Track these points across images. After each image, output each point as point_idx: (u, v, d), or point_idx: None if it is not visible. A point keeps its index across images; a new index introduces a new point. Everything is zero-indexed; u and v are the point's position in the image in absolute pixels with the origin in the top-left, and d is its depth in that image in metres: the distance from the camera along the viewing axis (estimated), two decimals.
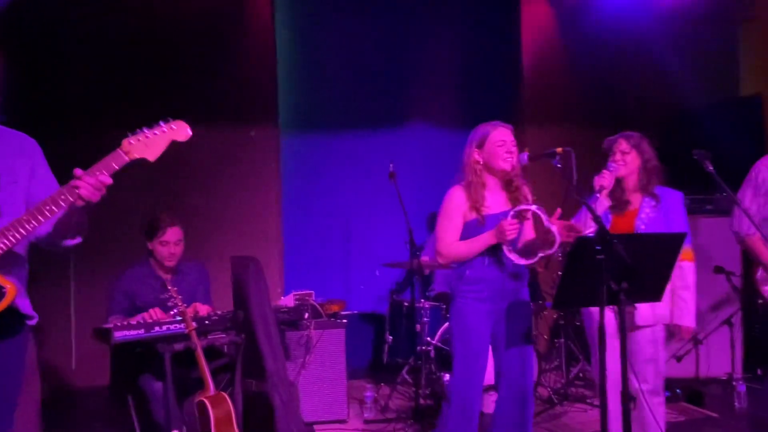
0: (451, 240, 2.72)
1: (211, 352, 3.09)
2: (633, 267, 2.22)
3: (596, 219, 2.37)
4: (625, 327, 2.32)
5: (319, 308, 3.82)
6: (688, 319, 2.83)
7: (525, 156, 2.72)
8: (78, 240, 2.08)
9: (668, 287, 2.72)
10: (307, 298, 3.74)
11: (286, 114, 5.30)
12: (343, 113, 5.50)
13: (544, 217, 2.55)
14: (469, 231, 2.71)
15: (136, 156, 1.90)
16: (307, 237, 5.43)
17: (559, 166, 2.60)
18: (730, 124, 4.13)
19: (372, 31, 5.52)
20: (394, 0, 5.57)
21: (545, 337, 5.21)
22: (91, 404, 4.26)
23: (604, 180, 2.75)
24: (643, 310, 2.79)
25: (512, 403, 2.78)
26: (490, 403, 3.94)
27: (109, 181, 1.86)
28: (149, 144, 1.92)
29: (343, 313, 4.17)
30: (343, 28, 5.48)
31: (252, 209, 5.09)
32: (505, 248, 2.62)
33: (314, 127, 5.50)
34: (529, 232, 2.75)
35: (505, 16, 5.77)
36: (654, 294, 2.51)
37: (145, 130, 1.92)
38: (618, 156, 2.84)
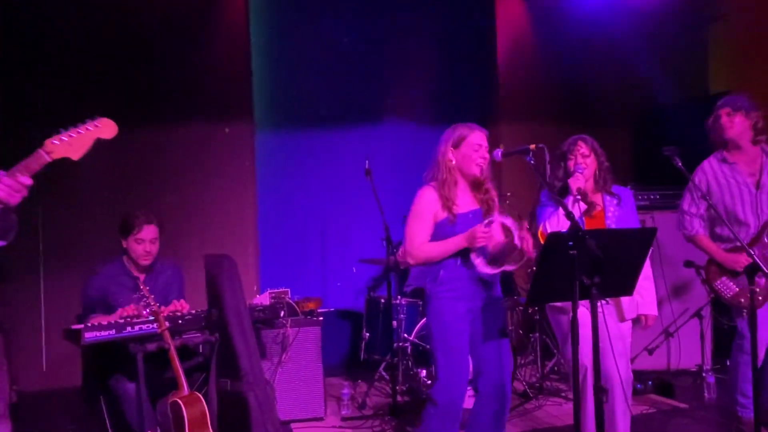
0: (421, 241, 2.72)
1: (185, 352, 3.06)
2: (605, 262, 2.26)
3: (569, 215, 2.39)
4: (597, 320, 2.36)
5: (295, 306, 3.80)
6: (651, 308, 2.94)
7: (499, 152, 2.74)
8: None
9: None
10: (282, 296, 3.72)
11: (261, 110, 5.26)
12: (319, 110, 5.49)
13: (516, 234, 2.60)
14: (440, 230, 2.73)
15: (59, 155, 1.93)
16: (283, 234, 5.41)
17: (532, 162, 2.62)
18: (699, 121, 4.21)
19: (349, 27, 5.51)
20: None
21: (520, 331, 5.26)
22: (62, 406, 4.18)
23: (580, 182, 2.84)
24: (628, 303, 2.87)
25: (491, 400, 2.81)
26: (467, 398, 3.97)
27: (29, 182, 1.87)
28: (73, 143, 1.95)
29: (319, 310, 4.16)
30: (319, 24, 5.46)
31: (227, 207, 5.04)
32: (472, 254, 2.66)
33: (290, 124, 5.47)
34: (498, 235, 2.76)
35: (480, 15, 5.81)
36: (626, 288, 2.56)
37: (70, 129, 1.95)
38: (580, 159, 2.93)
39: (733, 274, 3.26)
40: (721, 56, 5.88)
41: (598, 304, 2.77)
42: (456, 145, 2.75)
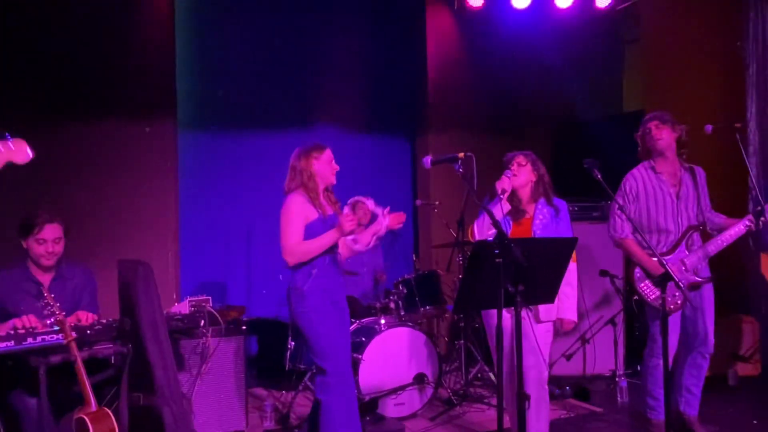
0: (296, 241, 2.98)
1: (95, 364, 2.85)
2: (529, 270, 2.30)
3: (495, 224, 2.43)
4: (521, 328, 2.40)
5: (217, 315, 3.65)
6: (570, 313, 3.10)
7: (428, 160, 2.77)
8: None
9: None
10: (203, 304, 3.56)
11: (185, 110, 5.06)
12: (246, 112, 5.36)
13: (368, 201, 3.08)
14: (312, 229, 3.01)
15: None
16: (206, 240, 5.22)
17: (460, 170, 2.65)
18: (615, 136, 4.45)
19: (279, 30, 5.43)
20: (301, 1, 5.51)
21: (446, 339, 5.32)
22: None
23: (504, 183, 3.00)
24: (544, 306, 2.99)
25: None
26: (392, 406, 3.96)
27: None
28: None
29: (243, 319, 4.03)
30: (249, 24, 5.35)
31: (146, 210, 4.80)
32: (349, 239, 3.06)
33: (216, 125, 5.31)
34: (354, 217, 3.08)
35: (411, 25, 5.89)
36: (548, 296, 2.63)
37: None
38: (515, 166, 3.10)
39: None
40: (635, 76, 6.26)
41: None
42: (318, 157, 3.08)
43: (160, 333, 2.85)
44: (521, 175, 3.09)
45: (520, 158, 3.12)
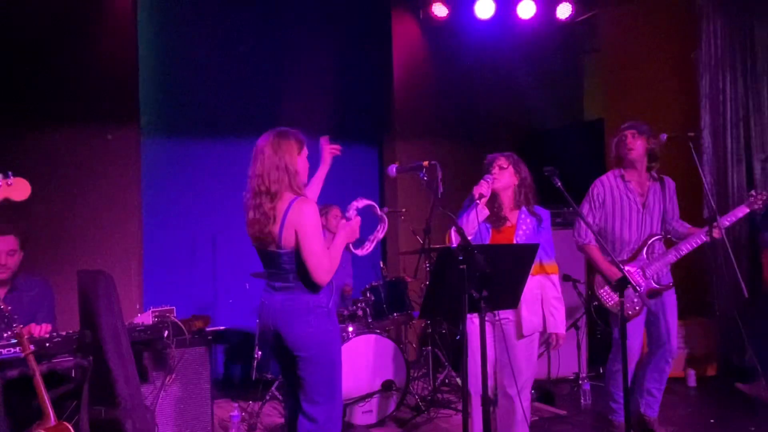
0: (330, 255, 2.56)
1: (55, 378, 2.78)
2: (493, 275, 2.34)
3: (459, 230, 2.46)
4: (485, 332, 2.43)
5: (181, 325, 3.58)
6: (561, 327, 3.01)
7: (393, 168, 2.79)
8: None
9: (540, 298, 2.97)
10: (167, 314, 3.49)
11: (148, 116, 4.98)
12: (210, 119, 5.30)
13: (376, 206, 2.70)
14: None
15: None
16: (170, 249, 5.13)
17: (425, 178, 2.68)
18: (575, 144, 4.56)
19: (245, 36, 5.40)
20: (267, 7, 5.49)
21: (414, 345, 5.34)
22: None
23: (483, 188, 2.86)
24: (527, 321, 2.93)
25: None
26: (359, 414, 3.95)
27: None
28: None
29: (208, 329, 3.96)
30: (215, 29, 5.30)
31: (108, 219, 4.70)
32: (351, 246, 2.70)
33: (180, 132, 5.24)
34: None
35: (377, 33, 5.93)
36: (511, 302, 2.67)
37: None
38: (496, 170, 2.97)
39: None
40: (594, 86, 6.43)
41: (500, 318, 2.89)
42: (300, 154, 2.65)
43: (122, 345, 2.79)
44: (502, 178, 2.95)
45: (501, 160, 2.98)
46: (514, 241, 2.93)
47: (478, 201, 2.82)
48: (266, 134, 2.64)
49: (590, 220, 3.51)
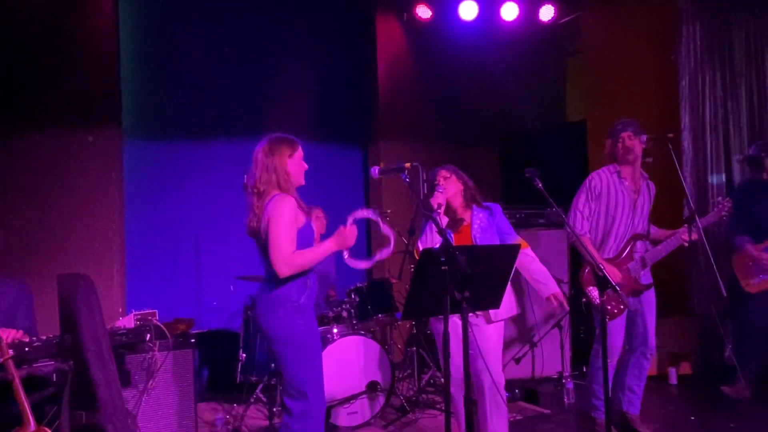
0: (293, 249, 2.66)
1: (35, 382, 2.75)
2: (473, 276, 2.35)
3: (440, 232, 2.47)
4: (468, 334, 2.44)
5: (164, 328, 3.56)
6: (553, 286, 3.19)
7: (375, 170, 2.81)
8: None
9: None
10: (149, 317, 3.47)
11: (130, 118, 4.93)
12: (194, 120, 5.27)
13: (381, 222, 2.75)
14: (301, 237, 2.72)
15: None
16: (153, 251, 5.09)
17: (407, 180, 2.69)
18: (558, 145, 4.60)
19: (228, 38, 5.38)
20: (251, 9, 5.47)
21: (399, 346, 5.36)
22: None
23: (439, 198, 3.11)
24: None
25: None
26: (344, 415, 3.95)
27: None
28: None
29: (192, 332, 3.94)
30: (197, 30, 5.27)
31: (89, 222, 4.65)
32: (345, 254, 2.75)
33: (163, 134, 5.20)
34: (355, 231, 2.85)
35: (361, 35, 5.94)
36: (492, 302, 2.69)
37: None
38: (441, 181, 3.20)
39: None
40: (576, 87, 6.49)
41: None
42: (291, 156, 2.76)
43: (103, 349, 2.77)
44: (449, 186, 3.19)
45: (443, 172, 3.23)
46: (473, 235, 3.15)
47: (439, 211, 3.07)
48: (261, 141, 2.81)
49: (587, 211, 3.57)
